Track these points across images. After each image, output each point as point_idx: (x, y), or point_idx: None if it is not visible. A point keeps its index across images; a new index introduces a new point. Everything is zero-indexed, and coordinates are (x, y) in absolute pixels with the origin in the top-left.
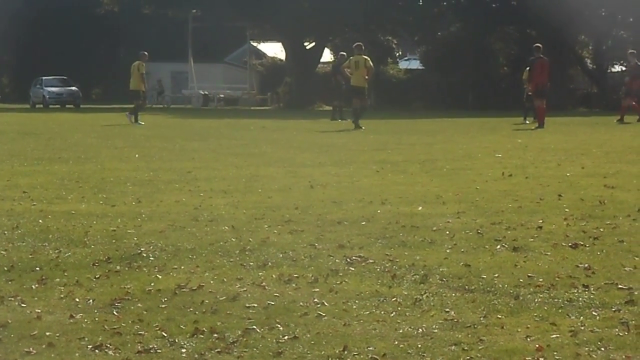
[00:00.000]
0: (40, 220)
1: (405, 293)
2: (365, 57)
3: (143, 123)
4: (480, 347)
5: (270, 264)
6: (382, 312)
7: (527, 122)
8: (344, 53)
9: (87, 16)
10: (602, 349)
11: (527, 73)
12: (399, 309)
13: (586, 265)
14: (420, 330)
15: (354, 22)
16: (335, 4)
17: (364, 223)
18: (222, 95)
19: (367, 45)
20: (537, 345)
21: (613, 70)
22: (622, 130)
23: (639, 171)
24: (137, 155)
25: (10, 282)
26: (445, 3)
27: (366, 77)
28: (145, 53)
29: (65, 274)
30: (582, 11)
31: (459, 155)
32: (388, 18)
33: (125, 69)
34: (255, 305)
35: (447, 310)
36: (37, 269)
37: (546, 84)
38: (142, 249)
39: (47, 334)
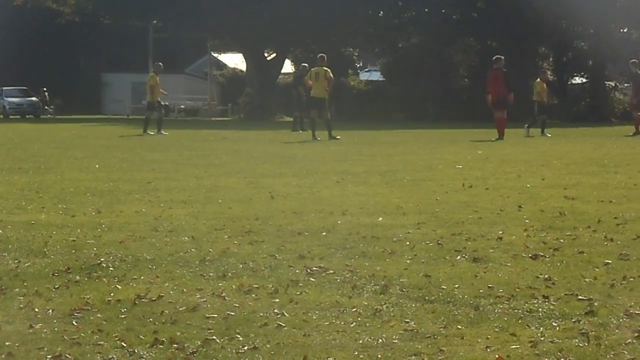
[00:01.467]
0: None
1: (366, 304)
2: (326, 68)
3: (166, 133)
4: (440, 358)
5: (230, 274)
6: (342, 323)
7: (549, 135)
8: (306, 64)
9: (48, 26)
10: (562, 359)
11: (539, 86)
12: (359, 319)
13: (546, 276)
14: (380, 340)
15: (314, 33)
16: (295, 15)
17: (324, 234)
18: (182, 106)
19: (328, 57)
20: (497, 356)
21: (573, 82)
22: (583, 142)
23: (599, 183)
24: (97, 166)
25: None
26: (406, 15)
27: (326, 88)
28: (160, 64)
29: (25, 284)
30: (542, 23)
31: (419, 166)
32: (349, 29)
33: (86, 80)
34: (215, 315)
35: (407, 320)
36: None
37: (504, 95)
38: (101, 259)
39: (7, 343)
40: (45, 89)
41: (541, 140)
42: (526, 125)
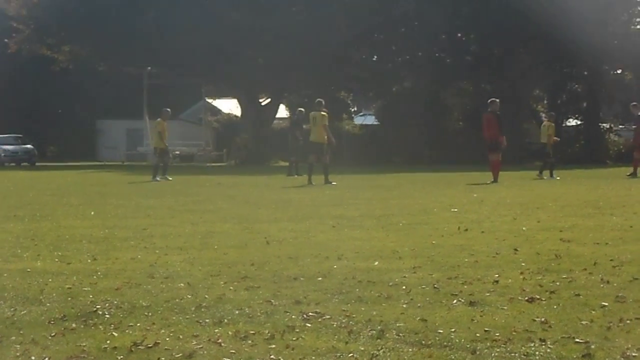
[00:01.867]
0: None
1: (362, 349)
2: (323, 113)
3: (171, 178)
4: None
5: (226, 320)
6: None
7: (557, 177)
8: (302, 109)
9: (43, 73)
10: None
11: (547, 129)
12: None
13: (543, 319)
14: None
15: (308, 78)
16: (289, 60)
17: (320, 279)
18: (177, 152)
19: (325, 101)
20: None
21: (568, 124)
22: (578, 184)
23: (595, 225)
24: (92, 213)
25: None
26: (399, 59)
27: (324, 134)
28: (168, 110)
29: (21, 332)
30: (536, 66)
31: (415, 210)
32: (343, 74)
33: (80, 126)
34: None
35: None
36: None
37: (497, 137)
38: (97, 307)
39: None
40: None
41: (536, 182)
42: (538, 172)
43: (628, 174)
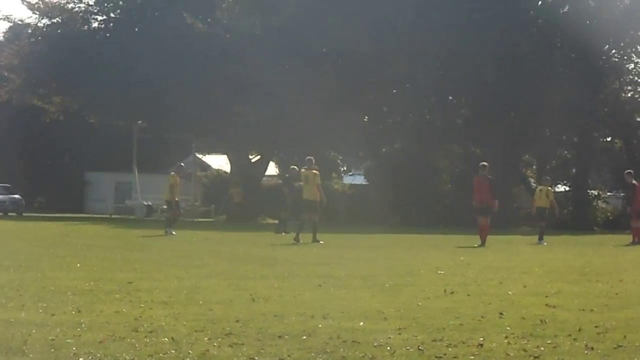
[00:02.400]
0: None
1: None
2: (315, 171)
3: (175, 233)
4: None
5: None
6: None
7: (544, 243)
8: (295, 167)
9: (32, 124)
10: None
11: (546, 193)
12: None
13: None
14: None
15: (298, 136)
16: (279, 118)
17: (305, 337)
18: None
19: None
20: None
21: (557, 189)
22: (565, 250)
23: (580, 291)
24: (78, 265)
25: None
26: (390, 120)
27: (317, 192)
28: (182, 164)
29: None
30: (526, 131)
31: (401, 271)
32: (333, 134)
33: (69, 178)
34: None
35: None
36: None
37: (486, 201)
38: (80, 359)
39: None
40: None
41: (523, 247)
42: (538, 238)
43: (627, 243)
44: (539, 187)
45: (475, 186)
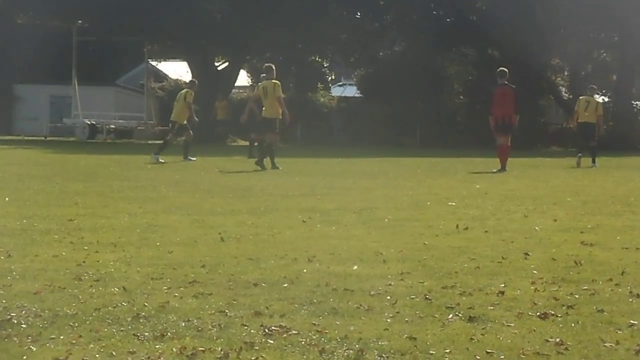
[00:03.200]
0: None
1: None
2: (275, 81)
3: (194, 159)
4: None
5: (169, 334)
6: None
7: (596, 164)
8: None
9: None
10: None
11: (596, 106)
12: None
13: (558, 339)
14: None
15: (274, 38)
16: (252, 16)
17: (286, 285)
18: (112, 126)
19: (293, 67)
20: None
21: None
22: (604, 175)
23: (623, 225)
24: (7, 199)
25: None
26: (388, 17)
27: (279, 108)
28: (195, 81)
29: None
30: (557, 29)
31: (403, 203)
32: (317, 34)
33: None
34: None
35: None
36: None
37: (509, 116)
38: (12, 314)
39: None
40: None
41: (553, 172)
42: (591, 160)
43: None
44: (584, 98)
45: (496, 98)
